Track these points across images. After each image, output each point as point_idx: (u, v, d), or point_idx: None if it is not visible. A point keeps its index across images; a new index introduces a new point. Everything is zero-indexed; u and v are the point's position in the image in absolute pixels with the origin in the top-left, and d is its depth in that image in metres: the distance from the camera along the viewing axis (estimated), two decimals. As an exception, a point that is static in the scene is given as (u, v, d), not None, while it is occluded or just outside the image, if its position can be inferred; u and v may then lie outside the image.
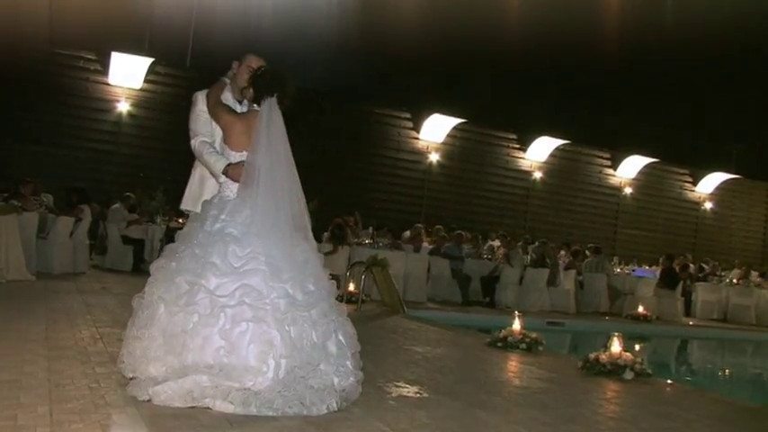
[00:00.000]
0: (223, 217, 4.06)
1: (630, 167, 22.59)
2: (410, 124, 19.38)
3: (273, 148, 4.12)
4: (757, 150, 22.52)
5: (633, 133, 20.74)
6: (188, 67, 15.50)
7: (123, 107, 15.78)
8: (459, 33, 16.72)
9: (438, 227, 16.89)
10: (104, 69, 15.65)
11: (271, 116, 4.16)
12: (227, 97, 4.50)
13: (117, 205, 12.65)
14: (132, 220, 12.46)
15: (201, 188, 4.56)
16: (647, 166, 22.69)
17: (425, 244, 15.07)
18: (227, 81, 4.55)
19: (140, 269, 12.26)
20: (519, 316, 7.38)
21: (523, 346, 7.01)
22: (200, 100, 4.46)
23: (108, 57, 15.33)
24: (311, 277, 4.05)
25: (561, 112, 19.40)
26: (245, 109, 4.48)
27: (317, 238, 13.20)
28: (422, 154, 19.49)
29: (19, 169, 13.96)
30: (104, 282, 10.06)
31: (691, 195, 24.11)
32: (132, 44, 15.16)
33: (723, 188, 24.26)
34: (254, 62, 4.44)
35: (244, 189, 4.08)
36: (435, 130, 19.47)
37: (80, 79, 15.59)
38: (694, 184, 23.98)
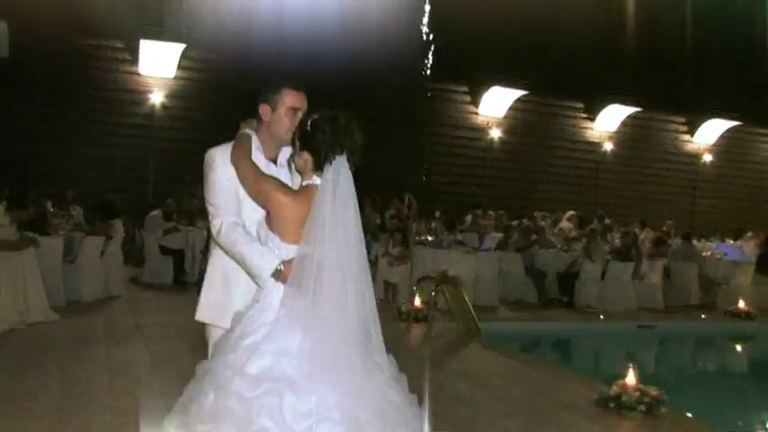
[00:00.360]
0: (268, 347, 2.71)
1: (710, 132, 20.66)
2: (468, 98, 17.82)
3: (340, 233, 2.82)
4: None
5: (713, 96, 18.78)
6: (224, 52, 14.22)
7: (156, 98, 14.62)
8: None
9: (501, 212, 15.55)
10: (134, 58, 14.51)
11: (338, 185, 2.86)
12: (258, 158, 3.16)
13: (155, 212, 11.60)
14: (169, 228, 11.36)
15: (227, 291, 3.20)
16: (729, 130, 20.70)
17: (493, 233, 13.81)
18: (251, 133, 3.23)
19: (182, 281, 11.28)
20: (632, 367, 5.97)
21: (642, 407, 5.62)
22: (219, 162, 3.11)
23: (137, 44, 14.15)
24: (398, 420, 2.72)
25: (633, 76, 17.60)
26: (283, 172, 3.21)
27: (376, 233, 11.82)
28: (482, 130, 17.96)
29: (51, 170, 13.08)
30: (140, 310, 9.01)
31: (779, 160, 22.02)
32: (161, 29, 13.95)
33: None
34: (293, 99, 3.14)
35: (295, 299, 2.76)
36: (496, 103, 17.88)
37: (108, 70, 14.46)
38: (784, 147, 21.89)
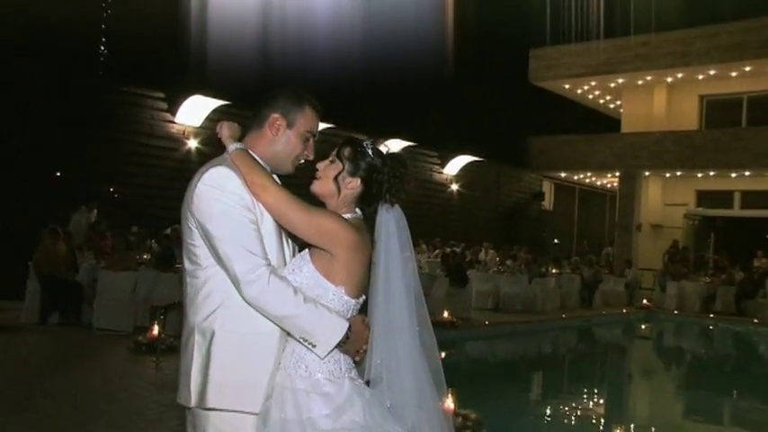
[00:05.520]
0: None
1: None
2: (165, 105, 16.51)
3: (406, 280, 2.64)
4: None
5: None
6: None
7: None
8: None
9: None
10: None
11: (402, 234, 2.67)
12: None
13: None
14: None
15: (241, 364, 2.48)
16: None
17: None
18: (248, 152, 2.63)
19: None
20: (450, 392, 5.30)
21: (468, 432, 5.65)
22: (233, 189, 2.47)
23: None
24: None
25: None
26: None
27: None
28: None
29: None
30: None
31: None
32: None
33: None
34: (313, 122, 2.70)
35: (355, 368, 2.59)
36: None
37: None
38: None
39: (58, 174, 14.05)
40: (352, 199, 2.65)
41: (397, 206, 2.67)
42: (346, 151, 2.66)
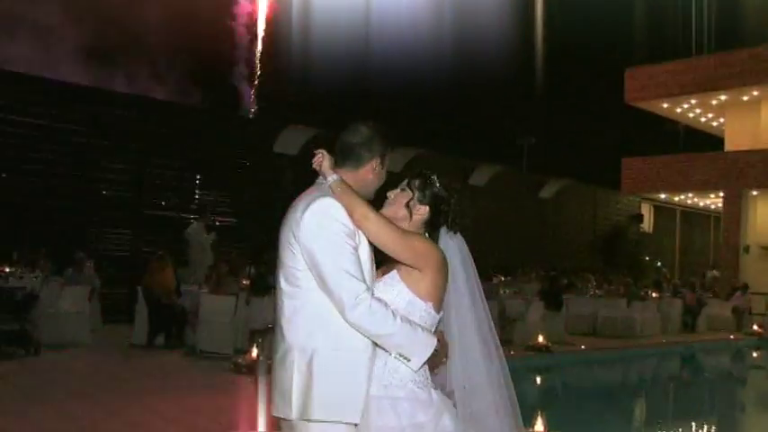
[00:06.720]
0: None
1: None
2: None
3: (472, 298, 2.97)
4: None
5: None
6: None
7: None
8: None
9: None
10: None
11: (462, 250, 2.99)
12: None
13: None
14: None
15: (340, 378, 2.69)
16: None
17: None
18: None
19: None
20: (540, 413, 5.96)
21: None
22: (341, 218, 2.73)
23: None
24: None
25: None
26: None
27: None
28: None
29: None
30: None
31: None
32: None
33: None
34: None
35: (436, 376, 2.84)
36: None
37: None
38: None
39: (163, 203, 14.94)
40: (420, 224, 2.95)
41: (458, 234, 3.00)
42: (417, 182, 2.97)
